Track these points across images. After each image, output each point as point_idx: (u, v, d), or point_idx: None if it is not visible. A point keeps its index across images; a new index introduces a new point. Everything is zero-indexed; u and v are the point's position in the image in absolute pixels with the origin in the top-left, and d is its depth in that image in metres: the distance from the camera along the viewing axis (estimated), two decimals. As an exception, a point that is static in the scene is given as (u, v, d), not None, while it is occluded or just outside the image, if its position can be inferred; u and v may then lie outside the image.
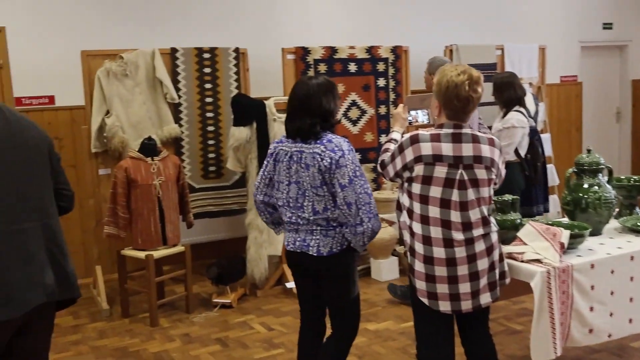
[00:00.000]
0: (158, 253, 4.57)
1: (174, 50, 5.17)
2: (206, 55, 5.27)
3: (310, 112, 2.74)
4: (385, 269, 5.37)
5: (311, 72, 5.64)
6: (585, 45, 8.12)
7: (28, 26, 5.24)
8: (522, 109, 4.97)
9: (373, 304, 4.81)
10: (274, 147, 2.90)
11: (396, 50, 6.04)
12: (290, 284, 5.07)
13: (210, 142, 5.33)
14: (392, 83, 6.06)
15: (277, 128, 4.96)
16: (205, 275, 4.94)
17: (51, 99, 5.37)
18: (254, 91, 5.54)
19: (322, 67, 5.70)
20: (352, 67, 5.84)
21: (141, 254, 4.53)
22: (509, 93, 4.93)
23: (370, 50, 5.91)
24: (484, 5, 7.33)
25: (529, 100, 6.52)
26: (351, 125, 5.88)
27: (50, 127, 5.36)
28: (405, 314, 4.58)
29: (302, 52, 5.61)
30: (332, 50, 5.73)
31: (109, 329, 4.53)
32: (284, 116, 5.07)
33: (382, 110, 6.02)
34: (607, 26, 8.27)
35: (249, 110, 4.90)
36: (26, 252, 2.28)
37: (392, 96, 6.07)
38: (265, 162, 2.92)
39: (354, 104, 5.89)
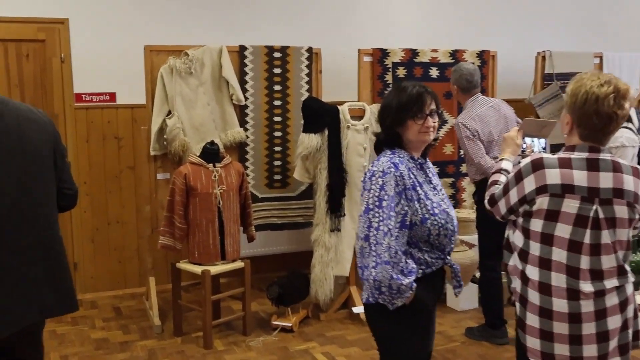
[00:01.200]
0: (215, 269, 4.17)
1: (242, 48, 4.78)
2: (277, 55, 4.86)
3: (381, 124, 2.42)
4: (463, 298, 4.82)
5: (389, 77, 5.16)
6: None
7: (91, 19, 4.95)
8: (631, 125, 4.34)
9: (450, 339, 4.28)
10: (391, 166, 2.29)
11: (483, 55, 5.49)
12: (358, 309, 4.59)
13: (277, 148, 4.92)
14: (476, 91, 5.49)
15: (351, 136, 4.50)
16: (265, 294, 4.50)
17: (112, 96, 5.07)
18: (326, 95, 5.09)
19: (401, 71, 5.20)
20: (434, 72, 5.32)
21: (197, 269, 4.15)
22: None
23: (455, 54, 5.37)
24: (581, 9, 6.67)
25: (632, 115, 5.85)
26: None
27: (110, 125, 5.06)
28: (489, 353, 4.02)
29: (380, 54, 5.13)
30: (413, 53, 5.23)
31: (159, 348, 4.15)
32: (358, 123, 4.67)
33: (465, 120, 5.46)
34: None
35: (321, 116, 4.45)
36: (20, 271, 2.23)
37: (476, 105, 5.50)
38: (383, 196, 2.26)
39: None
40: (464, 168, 5.46)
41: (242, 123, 4.78)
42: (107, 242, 5.16)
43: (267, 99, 4.86)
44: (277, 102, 4.89)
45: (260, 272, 5.50)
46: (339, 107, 4.54)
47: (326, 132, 4.47)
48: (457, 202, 5.48)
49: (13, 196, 2.20)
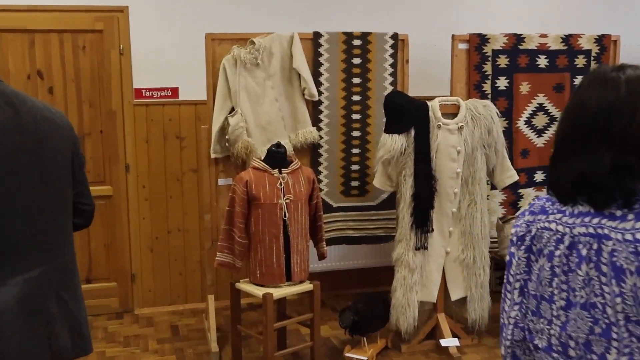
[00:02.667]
0: (279, 292, 3.58)
1: (316, 35, 4.15)
2: (356, 42, 4.21)
3: (616, 143, 1.28)
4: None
5: (488, 67, 4.39)
6: None
7: (152, 5, 4.47)
8: None
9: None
10: (525, 225, 1.44)
11: (602, 41, 4.61)
12: (447, 342, 3.89)
13: (355, 150, 4.27)
14: (593, 83, 4.63)
15: (442, 137, 3.78)
16: (338, 322, 3.87)
17: (174, 91, 4.59)
18: (413, 89, 4.39)
19: (503, 60, 4.42)
20: (542, 61, 4.50)
21: (258, 291, 3.57)
22: None
23: (568, 39, 4.53)
24: None
25: None
26: (535, 135, 4.55)
27: (172, 124, 4.58)
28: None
29: (478, 41, 4.37)
30: (518, 38, 4.43)
31: (214, 381, 3.62)
32: (451, 122, 3.94)
33: (578, 118, 4.61)
34: None
35: (407, 114, 3.76)
36: (31, 307, 1.80)
37: (592, 100, 4.64)
38: (509, 256, 1.48)
39: (541, 108, 4.54)
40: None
41: (315, 122, 4.17)
42: (168, 252, 4.69)
43: (344, 93, 4.22)
44: (356, 98, 4.24)
45: (334, 289, 4.89)
46: (429, 103, 3.83)
47: (412, 133, 3.78)
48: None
49: (26, 214, 1.79)
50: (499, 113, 3.93)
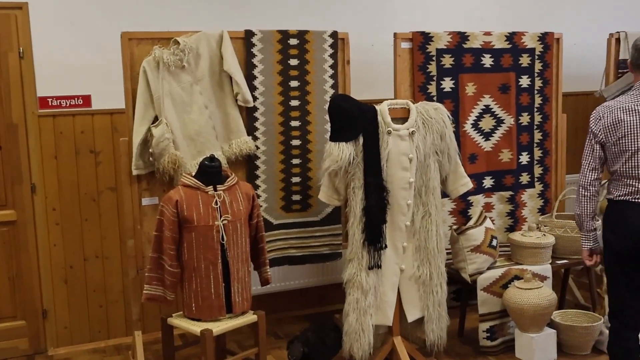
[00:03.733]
0: (220, 327, 3.13)
1: (249, 34, 3.73)
2: (293, 42, 3.81)
3: None
4: (539, 348, 3.75)
5: (432, 67, 4.11)
6: None
7: (56, 2, 3.91)
8: None
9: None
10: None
11: (545, 39, 4.42)
12: (406, 368, 3.55)
13: (295, 161, 3.87)
14: (538, 83, 4.44)
15: (393, 144, 3.44)
16: (287, 354, 3.45)
17: (86, 99, 4.03)
18: (354, 92, 4.03)
19: (448, 60, 4.14)
20: (487, 61, 4.26)
21: (196, 327, 3.11)
22: None
23: (512, 37, 4.31)
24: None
25: None
26: (482, 139, 4.30)
27: (84, 137, 4.03)
28: None
29: (422, 39, 4.07)
30: (462, 37, 4.17)
31: None
32: (401, 127, 3.57)
33: (524, 119, 4.41)
34: None
35: (354, 119, 3.39)
36: None
37: (537, 101, 4.45)
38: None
39: (487, 110, 4.30)
40: (524, 178, 4.42)
41: (251, 130, 3.74)
42: (85, 282, 4.12)
43: (281, 98, 3.81)
44: (295, 103, 3.84)
45: (274, 312, 4.48)
46: (377, 107, 3.48)
47: (361, 140, 3.42)
48: (516, 221, 4.42)
49: None
50: (450, 116, 3.63)
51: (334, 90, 3.90)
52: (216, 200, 3.14)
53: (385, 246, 3.51)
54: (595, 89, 4.75)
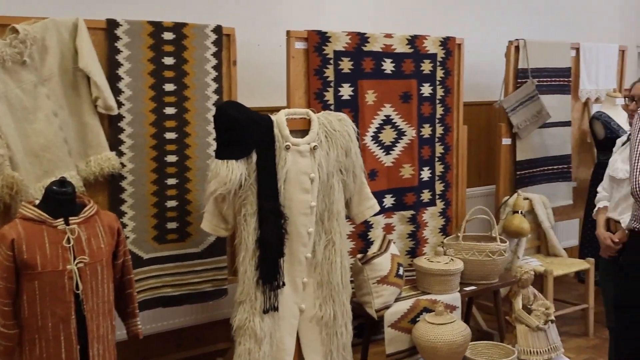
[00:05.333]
0: (74, 404, 2.40)
1: (112, 24, 3.00)
2: (168, 36, 3.13)
3: None
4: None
5: (330, 71, 3.61)
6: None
7: None
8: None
9: None
10: None
11: (447, 44, 4.06)
12: None
13: (170, 181, 3.19)
14: (440, 92, 4.07)
15: (292, 162, 2.88)
16: None
17: None
18: (241, 98, 3.42)
19: (346, 64, 3.66)
20: (388, 66, 3.82)
21: (40, 407, 2.35)
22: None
23: (414, 41, 3.91)
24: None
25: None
26: (383, 153, 3.86)
27: None
28: None
29: (318, 40, 3.56)
30: (362, 38, 3.70)
31: None
32: (301, 142, 2.64)
33: (426, 131, 4.02)
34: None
35: (247, 132, 2.79)
36: None
37: (439, 111, 4.08)
38: None
39: (388, 121, 3.87)
40: (425, 196, 4.03)
41: (115, 144, 3.02)
42: None
43: (153, 105, 3.11)
44: (170, 110, 3.16)
45: (147, 357, 3.74)
46: (273, 118, 2.90)
47: (254, 157, 2.82)
48: (417, 243, 4.02)
49: None
50: (356, 128, 3.13)
51: (217, 96, 3.26)
52: (68, 238, 2.40)
53: (283, 284, 2.94)
54: (495, 99, 4.48)
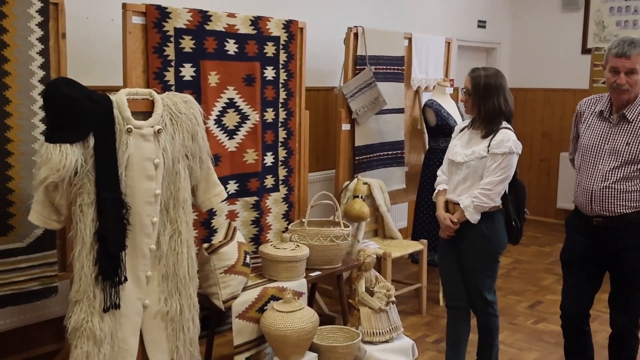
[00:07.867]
0: None
1: None
2: (-19, 0, 2.72)
3: None
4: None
5: (170, 50, 3.38)
6: (462, 45, 6.83)
7: None
8: (510, 126, 3.30)
9: None
10: None
11: (290, 27, 4.00)
12: None
13: (-12, 167, 2.79)
14: (283, 75, 4.01)
15: (134, 147, 2.64)
16: None
17: None
18: (72, 74, 3.08)
19: (188, 43, 3.45)
20: (231, 47, 3.67)
21: None
22: (497, 101, 3.18)
23: (257, 22, 3.79)
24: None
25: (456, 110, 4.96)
26: (226, 137, 3.71)
27: None
28: None
29: (158, 15, 3.31)
30: (204, 16, 3.51)
31: None
32: (145, 124, 2.49)
33: (269, 115, 3.94)
34: (482, 24, 7.09)
35: (83, 113, 2.50)
36: None
37: (282, 95, 4.02)
38: None
39: (231, 104, 3.72)
40: (268, 181, 3.96)
41: None
42: None
43: (-35, 79, 2.70)
44: (-14, 86, 2.76)
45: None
46: (112, 97, 2.63)
47: (91, 141, 2.54)
48: (261, 230, 3.94)
49: None
50: (202, 111, 2.96)
51: (44, 72, 2.91)
52: None
53: (125, 279, 2.70)
54: (333, 85, 4.52)
